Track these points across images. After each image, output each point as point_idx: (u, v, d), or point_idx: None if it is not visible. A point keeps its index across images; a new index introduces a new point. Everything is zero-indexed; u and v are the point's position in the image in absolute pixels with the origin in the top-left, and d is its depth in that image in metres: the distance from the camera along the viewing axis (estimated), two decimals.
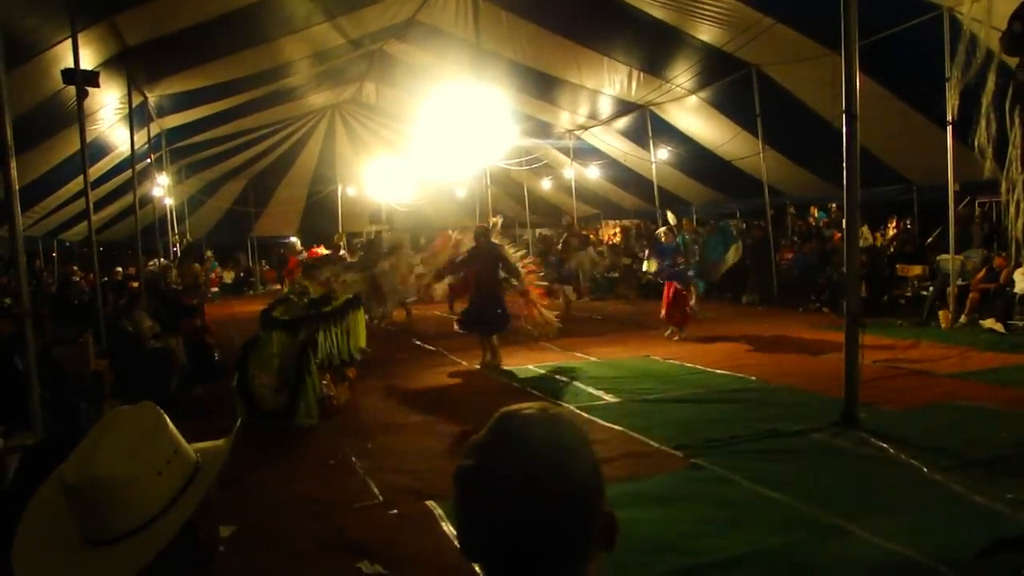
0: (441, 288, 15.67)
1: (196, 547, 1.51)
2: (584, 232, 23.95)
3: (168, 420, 1.53)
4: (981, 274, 13.35)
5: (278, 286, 28.80)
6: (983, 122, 1.45)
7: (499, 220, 14.23)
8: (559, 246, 19.62)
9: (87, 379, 8.40)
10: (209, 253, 31.05)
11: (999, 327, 12.16)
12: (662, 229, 14.08)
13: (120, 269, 22.85)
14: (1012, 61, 1.45)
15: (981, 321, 12.61)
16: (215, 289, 28.51)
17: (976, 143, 1.47)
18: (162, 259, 23.08)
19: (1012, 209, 1.38)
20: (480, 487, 1.13)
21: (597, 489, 1.16)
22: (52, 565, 1.47)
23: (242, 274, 31.94)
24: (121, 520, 1.41)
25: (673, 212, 15.25)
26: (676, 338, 13.07)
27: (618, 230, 30.19)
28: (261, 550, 5.04)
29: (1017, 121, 1.36)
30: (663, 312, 13.47)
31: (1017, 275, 12.06)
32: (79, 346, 8.86)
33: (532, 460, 1.12)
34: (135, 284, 14.73)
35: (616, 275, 22.54)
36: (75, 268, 23.12)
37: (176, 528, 1.43)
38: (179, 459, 1.49)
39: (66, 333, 9.32)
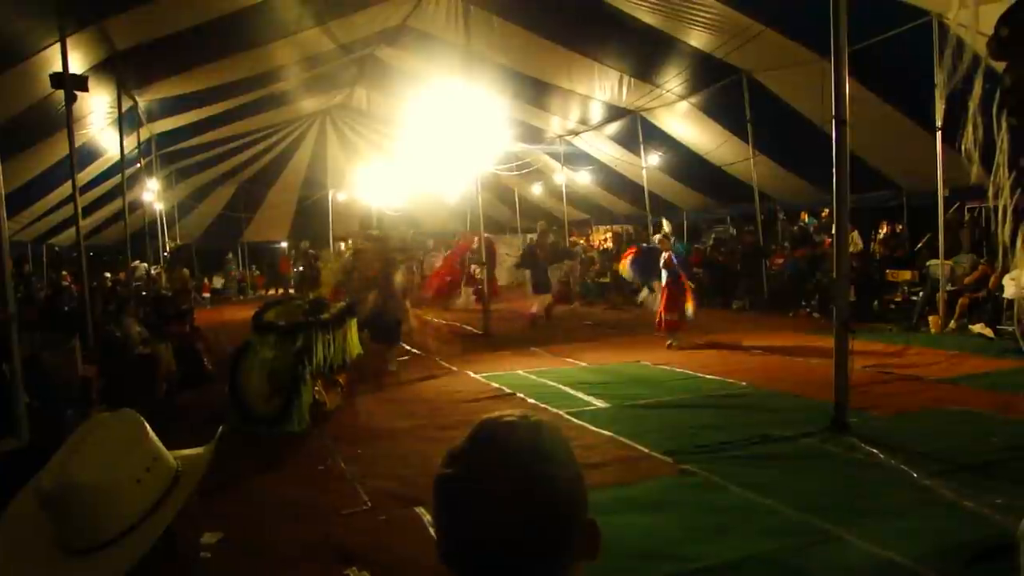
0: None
1: (176, 556, 1.50)
2: (568, 240, 23.96)
3: (148, 427, 1.51)
4: (971, 278, 13.40)
5: (272, 291, 28.88)
6: (969, 127, 1.44)
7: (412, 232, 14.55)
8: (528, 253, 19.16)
9: (75, 385, 8.35)
10: (230, 255, 31.27)
11: (988, 332, 12.20)
12: (657, 236, 14.02)
13: (108, 275, 22.77)
14: (999, 66, 1.44)
15: (970, 326, 12.65)
16: (207, 295, 28.52)
17: (963, 148, 1.46)
18: (145, 265, 22.99)
19: (999, 214, 1.37)
20: (459, 495, 1.12)
21: (579, 497, 1.15)
22: (28, 575, 1.45)
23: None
24: (99, 529, 1.39)
25: (666, 219, 15.21)
26: (675, 346, 12.94)
27: (609, 235, 30.14)
28: (248, 556, 5.02)
29: (1004, 126, 1.36)
30: (658, 317, 13.34)
31: (1006, 280, 12.10)
32: (67, 352, 8.80)
33: (511, 468, 1.10)
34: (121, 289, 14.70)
35: (607, 280, 22.53)
36: (65, 273, 23.05)
37: (154, 537, 1.41)
38: (159, 467, 1.48)
39: (54, 339, 9.26)
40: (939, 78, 11.41)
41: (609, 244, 28.02)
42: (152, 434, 1.51)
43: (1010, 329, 11.81)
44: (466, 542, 1.11)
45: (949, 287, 13.46)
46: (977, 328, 12.46)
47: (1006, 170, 1.45)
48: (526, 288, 19.55)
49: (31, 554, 1.45)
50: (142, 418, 1.53)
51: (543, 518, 1.09)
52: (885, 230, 17.10)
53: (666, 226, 14.07)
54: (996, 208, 1.45)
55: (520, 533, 1.08)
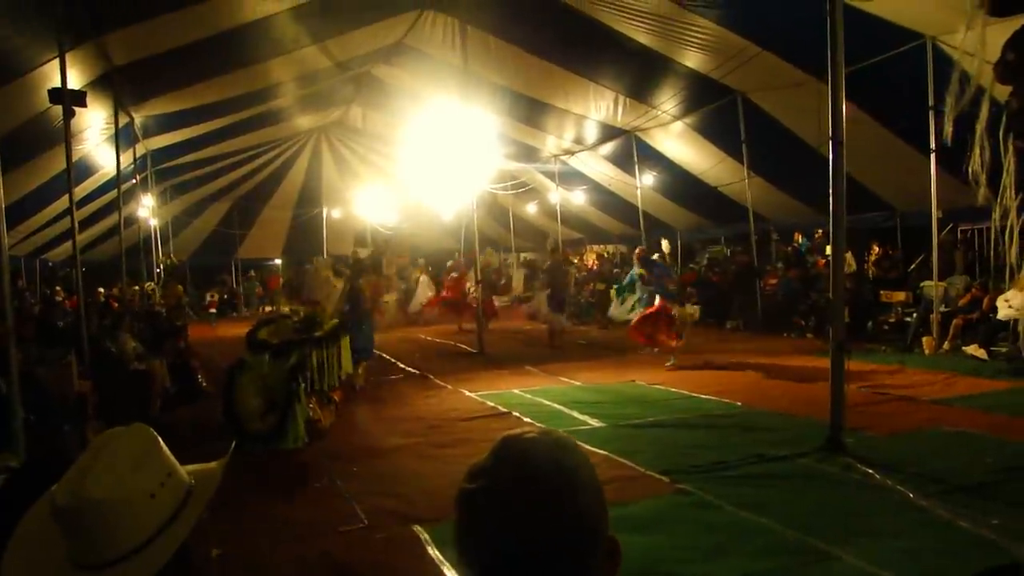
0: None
1: (188, 571, 1.49)
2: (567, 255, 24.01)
3: (161, 442, 1.51)
4: (964, 300, 13.46)
5: (269, 307, 28.81)
6: (976, 149, 1.46)
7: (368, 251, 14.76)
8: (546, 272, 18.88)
9: (70, 401, 8.32)
10: (252, 272, 31.19)
11: (982, 353, 12.22)
12: (655, 256, 14.06)
13: (102, 290, 22.70)
14: (1004, 90, 1.46)
15: (964, 347, 12.68)
16: (213, 310, 28.43)
17: (970, 171, 1.49)
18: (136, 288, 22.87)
19: (1006, 236, 1.38)
20: (482, 511, 1.12)
21: (600, 512, 1.15)
22: None
23: (226, 296, 31.79)
24: (113, 544, 1.39)
25: (665, 239, 15.23)
26: (661, 358, 12.93)
27: (593, 256, 30.03)
28: (247, 573, 5.00)
29: (1011, 148, 1.38)
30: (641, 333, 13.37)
31: (1000, 302, 12.15)
32: (62, 367, 8.78)
33: (535, 484, 1.11)
34: (116, 304, 14.67)
35: (593, 300, 22.59)
36: (58, 289, 22.97)
37: (170, 553, 1.41)
38: (172, 482, 1.48)
39: (49, 354, 9.24)
40: (933, 100, 11.50)
41: (596, 265, 27.83)
42: (165, 449, 1.51)
43: (1003, 350, 11.85)
44: (488, 558, 1.11)
45: (943, 308, 13.51)
46: (970, 349, 12.48)
47: (1013, 191, 1.47)
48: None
49: (43, 570, 1.45)
50: (155, 433, 1.53)
51: (567, 533, 1.10)
52: (877, 251, 17.17)
53: (665, 246, 14.11)
54: (1003, 228, 1.47)
55: (544, 548, 1.08)
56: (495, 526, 1.10)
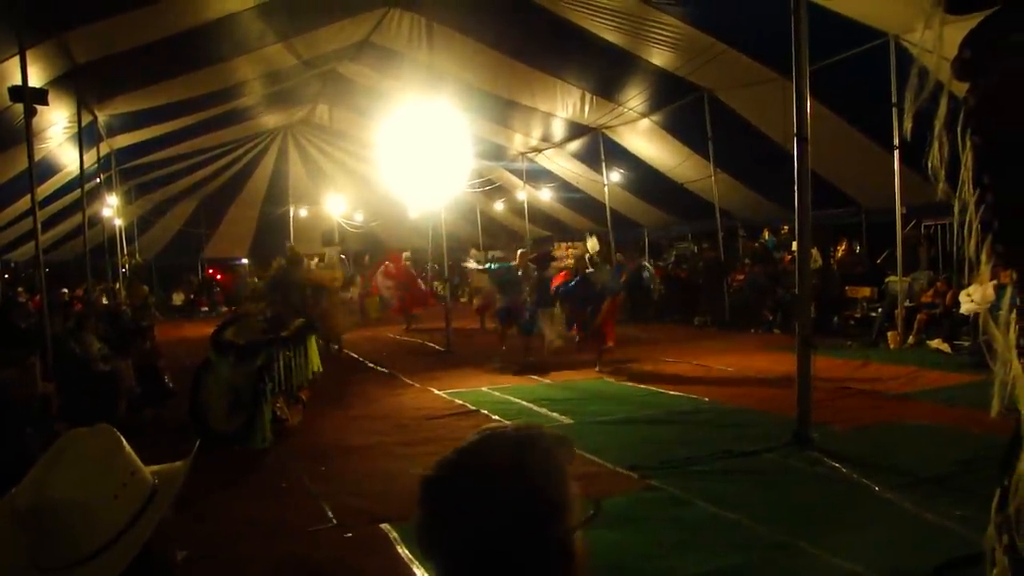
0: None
1: (152, 572, 1.48)
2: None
3: (124, 442, 1.50)
4: (928, 295, 13.62)
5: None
6: (936, 145, 1.47)
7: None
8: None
9: (33, 402, 8.21)
10: (247, 265, 30.77)
11: (946, 347, 12.39)
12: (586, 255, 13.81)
13: (66, 290, 22.43)
14: (963, 87, 1.48)
15: (928, 342, 12.84)
16: (204, 308, 28.03)
17: (929, 166, 1.50)
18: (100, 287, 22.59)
19: (966, 230, 1.40)
20: (440, 499, 1.12)
21: (562, 509, 1.14)
22: None
23: (192, 296, 31.50)
24: (75, 546, 1.37)
25: (593, 237, 14.96)
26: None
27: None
28: (214, 574, 4.96)
29: (969, 143, 1.40)
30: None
31: (962, 296, 12.30)
32: (25, 368, 8.65)
33: (495, 476, 1.10)
34: (79, 305, 14.48)
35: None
36: (20, 290, 22.68)
37: (132, 554, 1.40)
38: (135, 482, 1.46)
39: (12, 355, 9.10)
40: (896, 97, 11.62)
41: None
42: (129, 449, 1.50)
43: (966, 344, 12.00)
44: (447, 549, 1.11)
45: (907, 303, 13.66)
46: (934, 344, 12.65)
47: (971, 186, 1.50)
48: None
49: (4, 573, 1.43)
50: (118, 433, 1.51)
51: (523, 527, 1.08)
52: (843, 247, 17.33)
53: (591, 245, 13.83)
54: (962, 223, 1.49)
55: (499, 541, 1.07)
56: (451, 516, 1.10)
